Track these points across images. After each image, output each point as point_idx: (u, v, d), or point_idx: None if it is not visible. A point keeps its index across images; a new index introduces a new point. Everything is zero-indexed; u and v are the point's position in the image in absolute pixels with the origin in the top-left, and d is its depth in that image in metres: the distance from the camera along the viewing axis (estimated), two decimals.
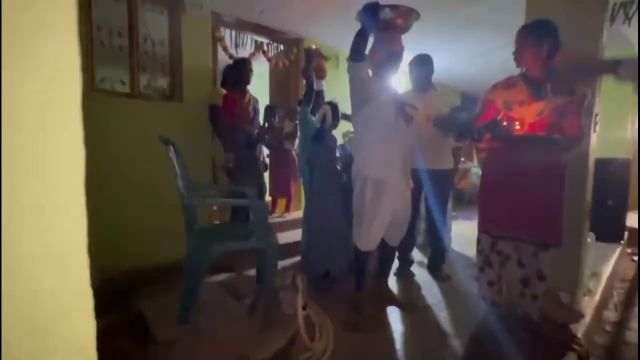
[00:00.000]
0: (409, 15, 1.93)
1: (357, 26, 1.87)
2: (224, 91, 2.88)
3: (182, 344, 1.65)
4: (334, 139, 2.58)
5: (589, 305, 2.22)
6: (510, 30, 1.78)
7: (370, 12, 1.78)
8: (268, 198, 3.68)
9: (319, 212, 2.39)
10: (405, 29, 2.01)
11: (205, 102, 2.89)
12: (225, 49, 3.30)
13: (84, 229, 0.42)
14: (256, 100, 2.98)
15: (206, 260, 1.61)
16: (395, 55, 1.98)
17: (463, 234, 3.39)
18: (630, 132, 4.09)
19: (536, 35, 1.64)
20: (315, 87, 2.63)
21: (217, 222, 3.25)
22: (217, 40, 3.22)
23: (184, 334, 1.70)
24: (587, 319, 2.07)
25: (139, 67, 2.82)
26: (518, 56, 1.72)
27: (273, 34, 3.66)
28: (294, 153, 3.62)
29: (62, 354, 0.41)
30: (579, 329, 1.95)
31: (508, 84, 1.80)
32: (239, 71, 2.80)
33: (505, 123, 1.69)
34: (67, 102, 0.39)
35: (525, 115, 1.70)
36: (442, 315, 2.11)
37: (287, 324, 1.70)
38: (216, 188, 2.85)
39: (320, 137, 2.43)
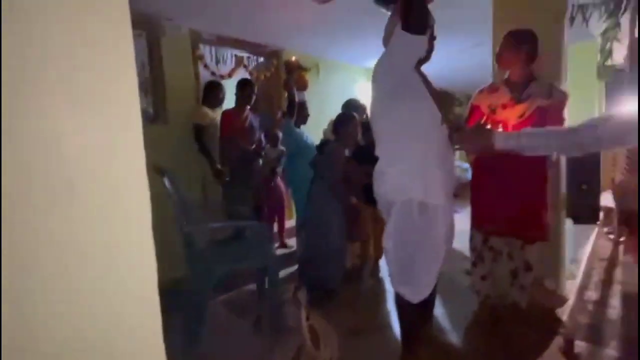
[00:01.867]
0: None
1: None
2: (207, 109, 2.91)
3: None
4: (342, 151, 2.47)
5: (571, 288, 2.39)
6: (481, 30, 1.89)
7: None
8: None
9: (317, 225, 2.38)
10: None
11: (191, 122, 2.91)
12: (206, 66, 3.32)
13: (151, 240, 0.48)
14: (255, 117, 3.04)
15: (210, 283, 1.66)
16: (433, 32, 1.46)
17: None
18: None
19: (516, 41, 1.80)
20: (296, 99, 2.70)
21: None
22: (197, 58, 3.24)
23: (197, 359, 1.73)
24: (571, 301, 2.23)
25: None
26: (500, 59, 1.88)
27: (253, 47, 3.70)
28: (279, 182, 3.40)
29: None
30: (564, 312, 2.11)
31: (492, 88, 1.95)
32: (245, 92, 2.90)
33: (488, 127, 1.82)
34: (131, 136, 0.46)
35: (509, 118, 1.84)
36: (438, 312, 2.22)
37: (293, 336, 1.76)
38: (212, 209, 2.87)
39: (328, 148, 2.43)
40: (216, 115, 2.93)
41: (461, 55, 4.04)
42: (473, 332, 2.03)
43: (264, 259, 1.79)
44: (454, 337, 1.99)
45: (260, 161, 3.04)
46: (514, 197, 1.84)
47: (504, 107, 1.87)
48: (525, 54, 1.80)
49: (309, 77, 3.10)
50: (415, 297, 1.46)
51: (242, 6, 2.76)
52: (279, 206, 3.46)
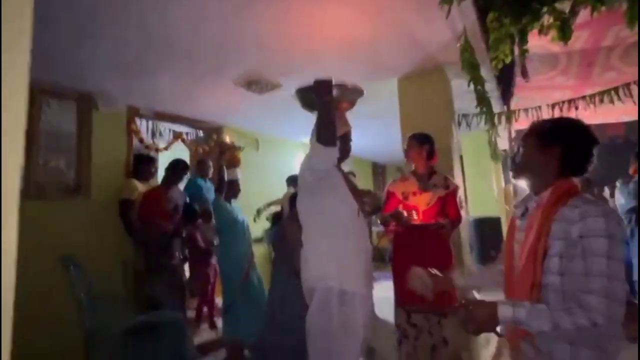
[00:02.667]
0: (358, 93, 1.70)
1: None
2: (137, 183, 2.84)
3: None
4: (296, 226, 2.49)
5: (486, 356, 2.56)
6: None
7: (326, 89, 1.47)
8: None
9: (281, 308, 2.12)
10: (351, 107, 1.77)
11: (117, 197, 2.80)
12: (141, 140, 3.32)
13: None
14: (182, 195, 2.97)
15: None
16: (349, 137, 1.66)
17: (385, 297, 3.57)
18: (497, 194, 5.12)
19: (418, 142, 2.22)
20: (227, 176, 2.76)
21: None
22: (132, 132, 3.24)
23: None
24: None
25: (36, 163, 2.64)
26: (407, 155, 2.27)
27: (192, 123, 3.83)
28: (213, 261, 3.29)
29: None
30: None
31: (403, 178, 2.30)
32: (177, 173, 2.83)
33: (405, 214, 2.08)
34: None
35: (419, 204, 2.18)
36: None
37: None
38: (127, 301, 2.58)
39: (281, 226, 2.38)
40: (146, 189, 2.85)
41: (386, 135, 4.65)
42: None
43: (180, 356, 1.66)
44: None
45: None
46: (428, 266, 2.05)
47: (414, 194, 2.20)
48: (426, 152, 2.20)
49: (244, 153, 3.19)
50: None
51: (181, 85, 2.93)
52: (211, 285, 3.30)
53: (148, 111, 3.38)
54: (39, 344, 2.11)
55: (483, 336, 2.69)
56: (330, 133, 1.44)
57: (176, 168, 2.84)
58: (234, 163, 2.93)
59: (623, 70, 2.60)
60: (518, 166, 1.12)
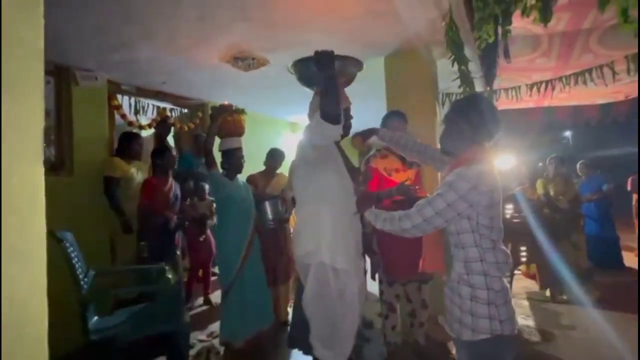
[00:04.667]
0: (359, 67, 1.69)
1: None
2: (120, 161, 2.77)
3: None
4: None
5: None
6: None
7: (328, 61, 1.43)
8: None
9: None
10: (349, 81, 1.76)
11: (101, 174, 2.75)
12: (123, 116, 3.24)
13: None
14: (177, 186, 2.83)
15: (109, 356, 1.53)
16: (349, 113, 1.68)
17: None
18: None
19: (404, 119, 2.28)
20: (223, 146, 2.44)
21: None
22: (113, 108, 3.16)
23: None
24: None
25: None
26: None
27: (176, 100, 3.74)
28: (210, 236, 3.26)
29: None
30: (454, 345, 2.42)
31: (382, 155, 2.33)
32: (162, 158, 2.67)
33: (412, 187, 2.16)
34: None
35: (401, 180, 2.22)
36: None
37: None
38: (119, 271, 2.56)
39: None
40: (131, 167, 2.80)
41: (372, 114, 4.68)
42: None
43: (173, 323, 1.73)
44: None
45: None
46: (411, 244, 2.16)
47: (397, 171, 2.27)
48: (405, 130, 2.25)
49: (244, 121, 2.52)
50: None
51: (163, 60, 2.85)
52: (206, 261, 3.32)
53: (129, 87, 3.29)
54: None
55: None
56: (337, 110, 1.41)
57: (163, 156, 2.69)
58: (229, 130, 2.43)
59: (599, 53, 2.69)
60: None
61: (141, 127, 3.36)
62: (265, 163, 3.04)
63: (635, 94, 3.54)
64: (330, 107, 1.40)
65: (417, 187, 2.18)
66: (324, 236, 1.50)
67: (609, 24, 2.29)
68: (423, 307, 2.28)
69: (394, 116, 2.30)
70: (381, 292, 2.31)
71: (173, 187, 2.72)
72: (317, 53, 1.44)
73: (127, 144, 2.82)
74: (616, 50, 2.54)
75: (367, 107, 4.16)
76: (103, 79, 2.94)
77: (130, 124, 3.29)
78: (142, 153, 2.91)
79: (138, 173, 2.84)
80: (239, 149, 2.47)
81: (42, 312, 0.52)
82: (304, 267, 1.55)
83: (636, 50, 2.42)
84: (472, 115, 1.22)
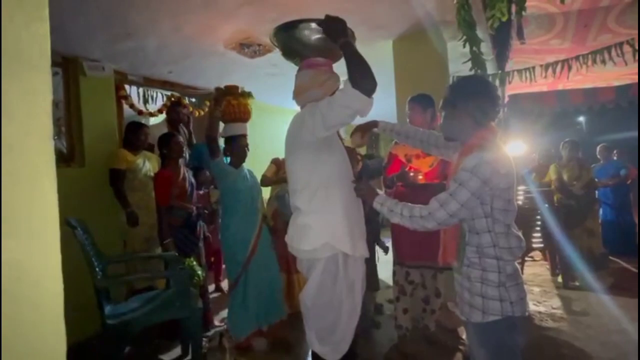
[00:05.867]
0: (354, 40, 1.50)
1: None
2: (126, 153, 2.72)
3: None
4: None
5: None
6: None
7: (342, 28, 1.31)
8: None
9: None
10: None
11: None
12: (132, 106, 3.25)
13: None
14: (190, 173, 2.68)
15: (125, 341, 1.57)
16: None
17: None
18: None
19: (421, 106, 2.21)
20: (227, 132, 2.33)
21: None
22: (121, 98, 3.17)
23: None
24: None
25: None
26: (411, 119, 2.24)
27: (184, 89, 3.75)
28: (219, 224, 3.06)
29: None
30: (464, 331, 2.42)
31: None
32: (167, 146, 2.44)
33: (412, 174, 2.13)
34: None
35: (422, 166, 2.22)
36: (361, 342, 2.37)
37: None
38: (131, 256, 2.54)
39: None
40: (137, 158, 2.74)
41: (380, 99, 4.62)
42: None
43: (185, 309, 1.76)
44: None
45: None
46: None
47: (417, 157, 2.24)
48: (429, 115, 2.21)
49: (250, 106, 2.36)
50: (335, 356, 1.41)
51: (170, 49, 2.84)
52: (217, 249, 3.28)
53: (137, 77, 3.29)
54: None
55: None
56: (372, 77, 1.23)
57: (170, 142, 2.44)
58: (233, 115, 2.27)
59: (618, 32, 2.58)
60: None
61: (151, 115, 3.37)
62: None
63: None
64: (364, 73, 1.22)
65: (420, 174, 2.16)
66: (339, 225, 1.36)
67: (627, 1, 2.19)
68: (437, 295, 2.27)
69: (411, 102, 2.25)
70: (394, 272, 2.30)
71: (187, 176, 2.53)
72: (328, 18, 1.29)
73: (132, 135, 2.75)
74: (634, 28, 2.43)
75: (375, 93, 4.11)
76: (110, 69, 2.95)
77: (140, 112, 3.30)
78: (147, 142, 2.83)
79: (145, 163, 2.77)
80: (244, 136, 2.33)
81: (57, 293, 0.52)
82: (310, 262, 1.41)
83: None
84: (478, 98, 1.18)
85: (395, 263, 2.30)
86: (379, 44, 2.86)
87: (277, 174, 2.74)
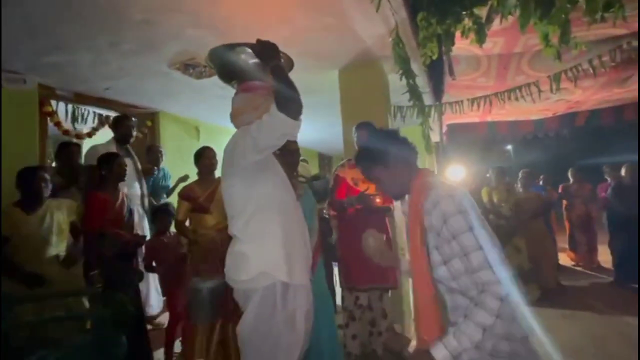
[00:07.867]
0: (291, 65, 1.51)
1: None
2: (15, 212, 2.04)
3: None
4: None
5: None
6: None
7: (274, 52, 1.31)
8: None
9: None
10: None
11: None
12: (58, 124, 2.95)
13: None
14: (128, 198, 2.40)
15: None
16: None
17: None
18: None
19: (368, 132, 2.24)
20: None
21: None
22: (46, 115, 2.86)
23: None
24: (413, 341, 2.62)
25: None
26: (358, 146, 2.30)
27: (122, 107, 3.50)
28: None
29: None
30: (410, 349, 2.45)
31: (350, 164, 2.34)
32: (108, 167, 2.19)
33: (371, 197, 2.17)
34: None
35: (370, 190, 2.23)
36: None
37: None
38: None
39: None
40: (29, 219, 2.03)
41: (322, 127, 4.76)
42: None
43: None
44: None
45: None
46: None
47: (364, 181, 2.28)
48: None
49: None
50: None
51: (107, 65, 2.66)
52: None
53: (66, 92, 3.01)
54: None
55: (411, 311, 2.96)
56: (298, 100, 1.23)
57: (113, 163, 2.19)
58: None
59: (530, 74, 2.99)
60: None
61: (79, 137, 3.07)
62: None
63: (561, 112, 3.97)
64: (290, 97, 1.21)
65: (377, 196, 2.23)
66: (276, 251, 1.29)
67: (536, 49, 2.55)
68: (383, 317, 2.29)
69: (358, 129, 2.33)
70: (342, 299, 2.29)
71: (125, 202, 2.31)
72: (259, 42, 1.30)
73: (99, 172, 2.26)
74: (542, 71, 2.84)
75: (322, 119, 4.22)
76: (33, 83, 2.66)
77: (65, 132, 2.99)
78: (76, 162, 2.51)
79: (45, 219, 2.05)
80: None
81: None
82: (247, 293, 1.32)
83: (557, 71, 2.71)
84: (393, 147, 1.16)
85: (343, 288, 2.28)
86: (327, 74, 2.97)
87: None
